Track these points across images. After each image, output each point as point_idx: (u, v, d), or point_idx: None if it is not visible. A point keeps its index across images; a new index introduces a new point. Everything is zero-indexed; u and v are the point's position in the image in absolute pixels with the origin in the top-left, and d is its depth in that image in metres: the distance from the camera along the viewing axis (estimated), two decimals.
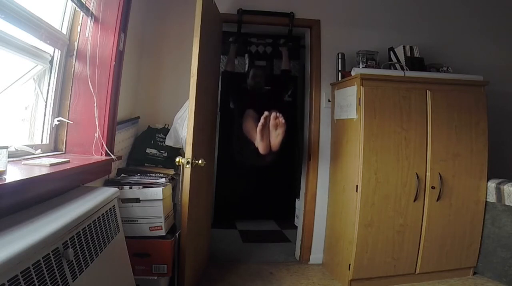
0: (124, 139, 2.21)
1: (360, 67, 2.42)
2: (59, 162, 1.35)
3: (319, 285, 2.29)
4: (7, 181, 0.96)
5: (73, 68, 1.75)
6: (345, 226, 2.31)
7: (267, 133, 2.08)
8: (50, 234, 0.90)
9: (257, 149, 2.14)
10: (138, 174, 2.05)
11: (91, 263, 1.12)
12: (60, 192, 1.33)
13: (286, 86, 3.41)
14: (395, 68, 2.48)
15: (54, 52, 1.68)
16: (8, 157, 1.03)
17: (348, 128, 2.35)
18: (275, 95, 2.93)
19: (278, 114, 2.02)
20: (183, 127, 2.22)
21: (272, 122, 2.04)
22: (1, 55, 1.32)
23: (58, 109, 1.74)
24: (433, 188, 2.26)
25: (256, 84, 2.83)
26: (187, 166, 1.78)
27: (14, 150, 1.38)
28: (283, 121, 2.02)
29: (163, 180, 1.95)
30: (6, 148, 1.01)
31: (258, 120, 2.08)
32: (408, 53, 2.56)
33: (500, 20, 2.95)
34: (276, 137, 2.06)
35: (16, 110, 1.56)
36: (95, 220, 1.22)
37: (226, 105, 3.23)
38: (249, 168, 3.37)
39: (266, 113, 2.02)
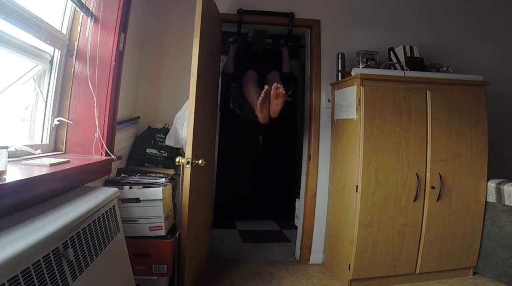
0: (124, 139, 2.21)
1: (360, 67, 2.42)
2: (59, 162, 1.35)
3: (319, 285, 2.29)
4: (7, 181, 0.96)
5: (73, 68, 1.75)
6: (345, 226, 2.31)
7: (267, 105, 2.16)
8: (50, 234, 0.90)
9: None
10: (138, 174, 2.05)
11: (91, 263, 1.12)
12: (60, 192, 1.33)
13: (287, 86, 3.40)
14: (395, 68, 2.48)
15: (54, 52, 1.68)
16: (8, 157, 1.03)
17: (348, 128, 2.35)
18: (274, 60, 2.92)
19: (279, 85, 2.09)
20: (183, 127, 2.22)
21: (273, 92, 2.10)
22: (1, 55, 1.32)
23: (58, 109, 1.74)
24: (433, 188, 2.26)
25: (256, 36, 2.78)
26: (187, 166, 1.78)
27: (14, 150, 1.38)
28: (283, 92, 2.10)
29: (163, 180, 1.95)
30: (6, 148, 1.01)
31: (258, 85, 2.15)
32: (408, 53, 2.56)
33: (500, 21, 2.95)
34: (276, 105, 2.14)
35: (16, 110, 1.56)
36: (95, 220, 1.22)
37: (226, 105, 3.23)
38: (250, 173, 3.35)
39: (266, 87, 2.08)
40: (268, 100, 2.15)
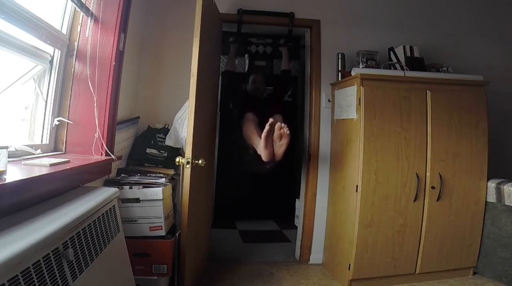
0: (124, 139, 2.21)
1: (360, 67, 2.42)
2: (59, 162, 1.35)
3: (319, 285, 2.29)
4: (7, 181, 0.96)
5: (73, 68, 1.75)
6: (345, 226, 2.31)
7: (271, 141, 2.03)
8: (50, 234, 0.90)
9: (256, 153, 2.11)
10: (138, 174, 2.05)
11: (91, 263, 1.12)
12: (60, 192, 1.33)
13: (286, 86, 3.40)
14: (395, 68, 2.48)
15: (54, 52, 1.68)
16: (8, 157, 1.03)
17: (348, 129, 2.35)
18: (275, 98, 2.92)
19: (282, 125, 1.98)
20: (183, 127, 2.22)
21: (276, 133, 1.99)
22: (1, 55, 1.32)
23: (58, 109, 1.74)
24: (433, 188, 2.26)
25: (256, 90, 2.81)
26: (187, 166, 1.78)
27: (14, 150, 1.38)
28: (288, 132, 1.98)
29: (163, 180, 1.95)
30: (6, 148, 1.01)
31: (259, 124, 2.01)
32: (408, 53, 2.56)
33: (500, 20, 2.95)
34: (279, 147, 2.03)
35: (16, 110, 1.56)
36: (95, 220, 1.22)
37: (226, 105, 3.23)
38: (250, 175, 3.38)
39: (271, 120, 1.96)
40: (272, 135, 2.01)
